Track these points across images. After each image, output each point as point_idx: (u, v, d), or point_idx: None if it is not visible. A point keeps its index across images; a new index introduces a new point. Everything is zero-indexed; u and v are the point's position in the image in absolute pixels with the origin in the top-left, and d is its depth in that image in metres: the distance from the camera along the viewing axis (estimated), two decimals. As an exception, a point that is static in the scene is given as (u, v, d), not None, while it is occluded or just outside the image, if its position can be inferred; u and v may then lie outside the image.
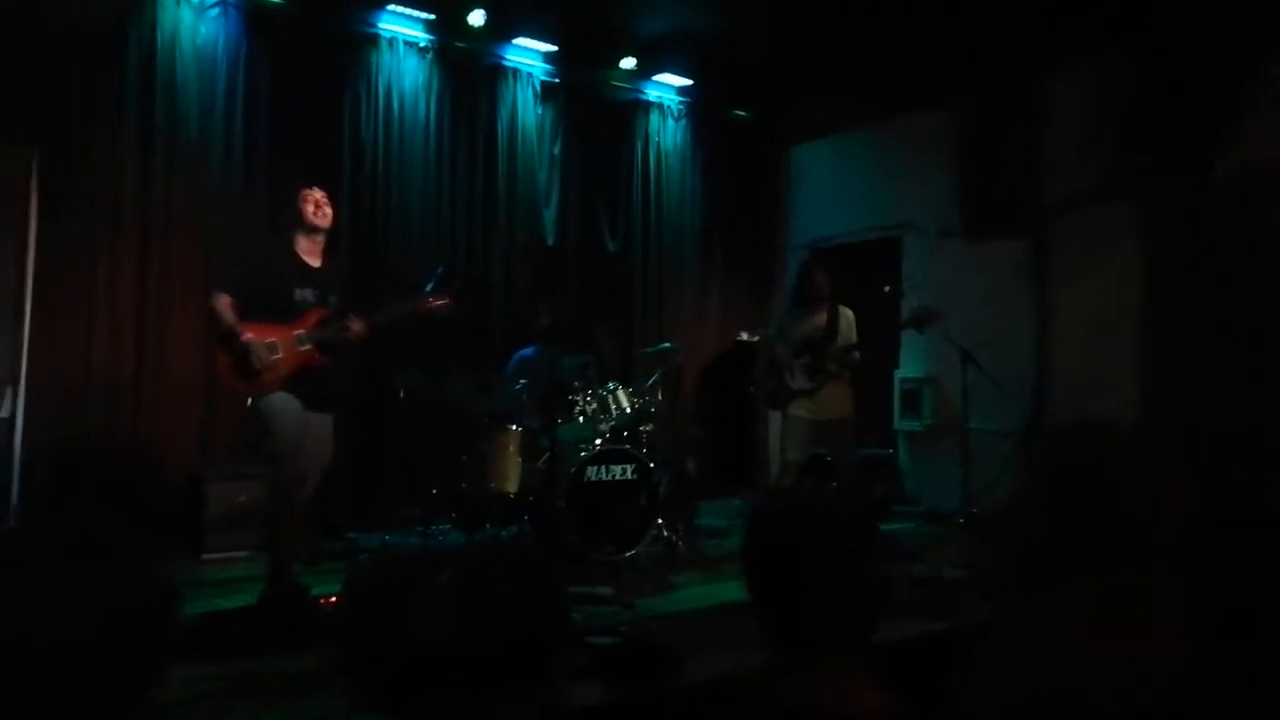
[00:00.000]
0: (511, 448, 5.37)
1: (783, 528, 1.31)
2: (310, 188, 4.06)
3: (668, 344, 6.01)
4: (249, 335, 3.78)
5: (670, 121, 7.55)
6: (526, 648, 3.02)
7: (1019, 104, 6.19)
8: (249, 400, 3.83)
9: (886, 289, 6.05)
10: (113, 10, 5.15)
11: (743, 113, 7.85)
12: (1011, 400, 5.94)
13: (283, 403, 3.78)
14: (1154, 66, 5.35)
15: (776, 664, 1.27)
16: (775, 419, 7.69)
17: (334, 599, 3.77)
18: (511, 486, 5.32)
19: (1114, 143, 5.57)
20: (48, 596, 0.90)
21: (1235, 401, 4.88)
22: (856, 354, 5.33)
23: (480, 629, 2.88)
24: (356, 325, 3.99)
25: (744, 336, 7.78)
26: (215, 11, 5.45)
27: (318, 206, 4.02)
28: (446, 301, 4.18)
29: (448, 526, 5.50)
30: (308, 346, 3.88)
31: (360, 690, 2.99)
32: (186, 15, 5.35)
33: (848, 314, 5.46)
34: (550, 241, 6.84)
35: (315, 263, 4.07)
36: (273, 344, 3.82)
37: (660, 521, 5.14)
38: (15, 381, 4.91)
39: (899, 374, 7.10)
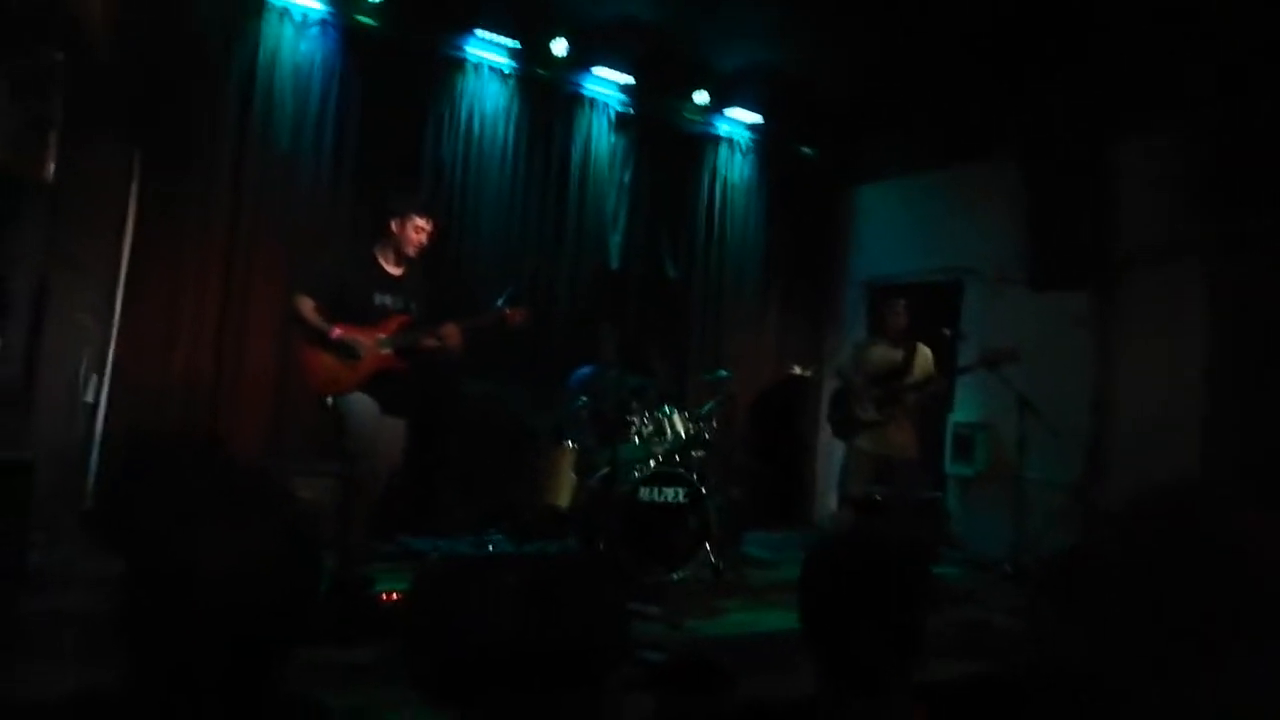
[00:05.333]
0: (565, 464, 5.48)
1: (842, 564, 1.38)
2: (423, 216, 4.16)
3: (723, 371, 6.09)
4: (339, 330, 3.95)
5: (739, 156, 7.69)
6: (587, 657, 3.11)
7: (1090, 159, 6.19)
8: (329, 400, 3.99)
9: (946, 332, 6.07)
10: (223, 26, 5.44)
11: (810, 150, 7.96)
12: (1067, 452, 5.90)
13: (360, 403, 3.94)
14: (1230, 127, 5.33)
15: (830, 693, 1.34)
16: (826, 454, 7.73)
17: (393, 595, 3.90)
18: (563, 502, 5.42)
19: (1185, 200, 5.56)
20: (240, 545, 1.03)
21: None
22: (939, 383, 5.44)
23: (543, 635, 2.98)
24: (452, 333, 4.12)
25: (798, 370, 7.82)
26: (316, 30, 5.72)
27: (421, 241, 4.16)
28: (527, 315, 4.32)
29: (498, 537, 5.61)
30: (388, 350, 4.04)
31: (421, 683, 3.10)
32: (288, 32, 5.63)
33: (925, 350, 5.56)
34: (615, 265, 6.99)
35: (396, 271, 4.24)
36: (363, 341, 4.00)
37: (708, 546, 5.19)
38: (102, 370, 5.15)
39: (953, 418, 7.08)
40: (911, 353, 5.49)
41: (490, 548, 5.39)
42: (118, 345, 5.15)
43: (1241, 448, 5.20)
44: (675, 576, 4.96)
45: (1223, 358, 5.49)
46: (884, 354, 5.58)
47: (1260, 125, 5.18)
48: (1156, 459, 5.63)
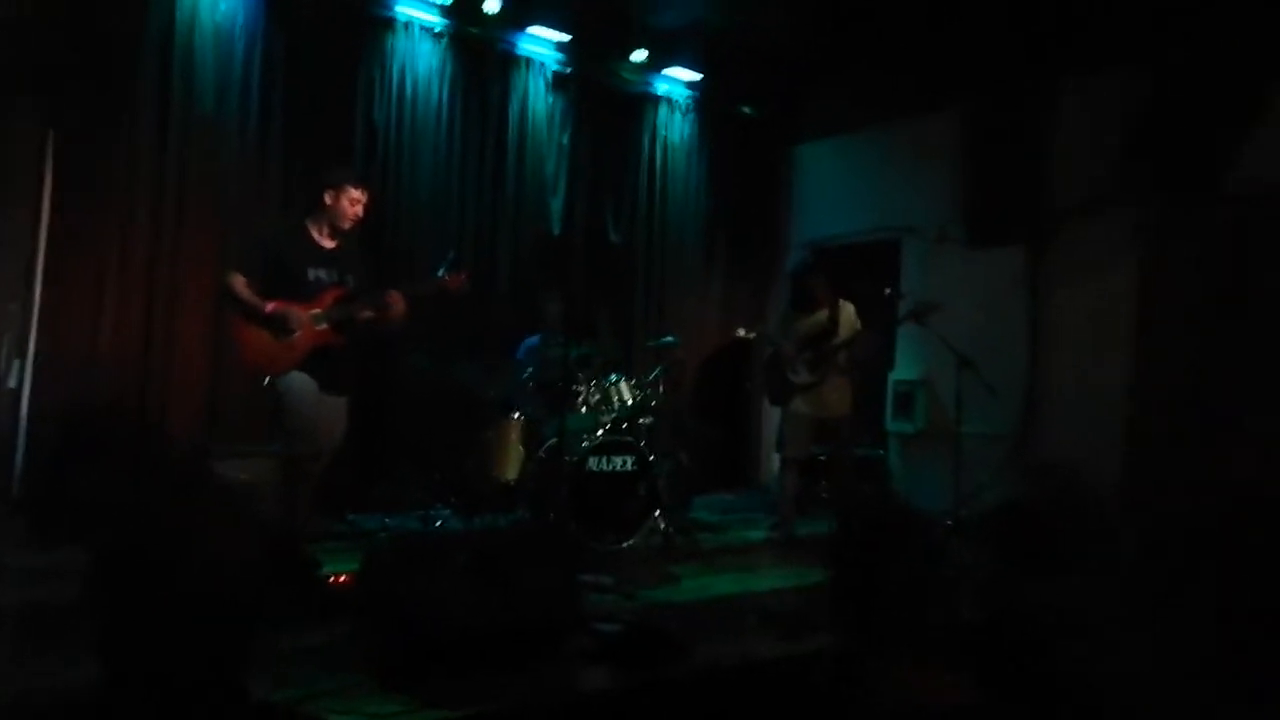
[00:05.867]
0: (513, 435, 5.44)
1: (878, 536, 1.44)
2: (358, 188, 4.07)
3: (670, 338, 6.08)
4: (272, 306, 3.83)
5: (678, 115, 7.60)
6: (540, 631, 3.11)
7: (1025, 112, 6.26)
8: (266, 379, 3.88)
9: (887, 291, 6.13)
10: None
11: (749, 109, 7.91)
12: (1005, 405, 6.04)
13: (299, 382, 3.85)
14: (1165, 80, 5.42)
15: (867, 659, 1.38)
16: (772, 416, 7.79)
17: (342, 577, 3.84)
18: (511, 474, 5.39)
19: (1119, 154, 5.66)
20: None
21: (1228, 413, 4.99)
22: (868, 338, 5.50)
23: (496, 611, 2.96)
24: (397, 302, 4.02)
25: (742, 332, 7.82)
26: (235, -12, 5.45)
27: (356, 213, 4.06)
28: (466, 280, 4.26)
29: (447, 511, 5.56)
30: (324, 325, 3.93)
31: (376, 666, 3.06)
32: (206, -9, 5.36)
33: (848, 308, 5.61)
34: (556, 231, 6.88)
35: (329, 244, 4.12)
36: (299, 314, 3.89)
37: (658, 513, 5.22)
38: (24, 353, 4.92)
39: (893, 375, 7.19)
40: (835, 311, 5.57)
41: (439, 523, 5.34)
42: (40, 328, 4.93)
43: (1171, 401, 5.38)
44: (626, 545, 4.98)
45: (1154, 312, 5.65)
46: (809, 318, 5.63)
47: (1201, 75, 5.27)
48: (1090, 413, 5.81)
